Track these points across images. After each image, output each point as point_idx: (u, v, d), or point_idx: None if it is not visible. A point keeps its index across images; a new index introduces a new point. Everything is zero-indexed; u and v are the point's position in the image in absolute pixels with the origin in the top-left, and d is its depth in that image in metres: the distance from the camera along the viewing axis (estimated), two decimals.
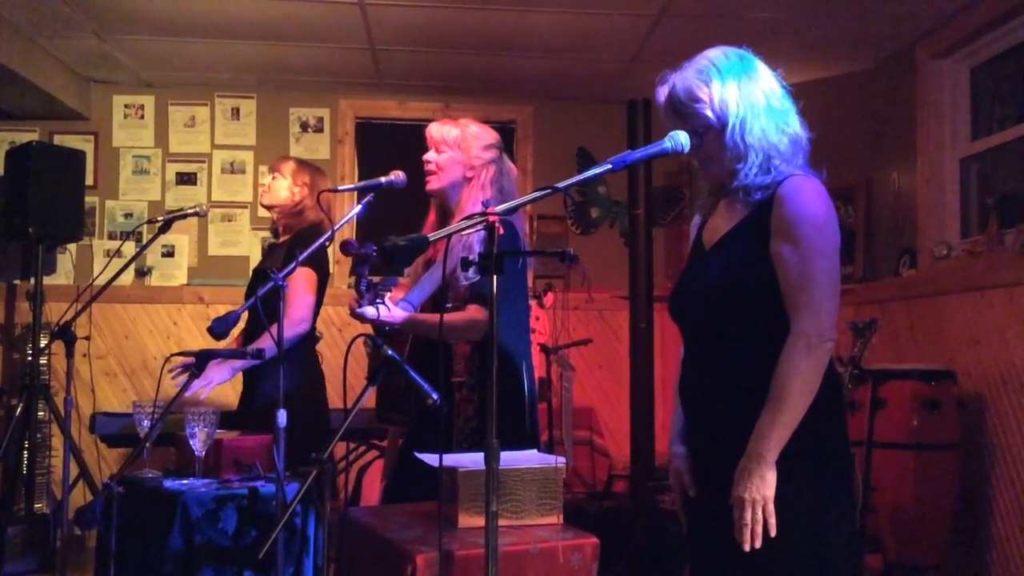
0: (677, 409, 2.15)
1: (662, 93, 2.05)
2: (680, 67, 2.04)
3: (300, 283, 3.47)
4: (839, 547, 1.92)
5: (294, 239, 3.66)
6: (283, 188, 3.70)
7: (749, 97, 1.97)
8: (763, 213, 1.96)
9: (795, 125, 2.02)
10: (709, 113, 1.97)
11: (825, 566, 1.90)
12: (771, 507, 1.85)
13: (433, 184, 2.96)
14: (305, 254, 2.77)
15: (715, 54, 2.02)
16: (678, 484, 2.14)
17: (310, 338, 3.59)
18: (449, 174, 2.94)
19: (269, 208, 3.79)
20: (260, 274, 3.79)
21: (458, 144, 2.93)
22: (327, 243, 2.85)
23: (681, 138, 1.99)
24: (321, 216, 3.72)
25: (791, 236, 1.91)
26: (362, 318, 2.64)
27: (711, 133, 1.99)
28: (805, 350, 1.86)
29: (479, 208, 2.59)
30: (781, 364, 1.87)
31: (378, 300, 2.60)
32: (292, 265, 2.85)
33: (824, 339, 1.88)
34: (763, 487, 1.84)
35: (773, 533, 1.85)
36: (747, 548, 1.85)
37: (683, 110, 2.00)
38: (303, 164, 3.79)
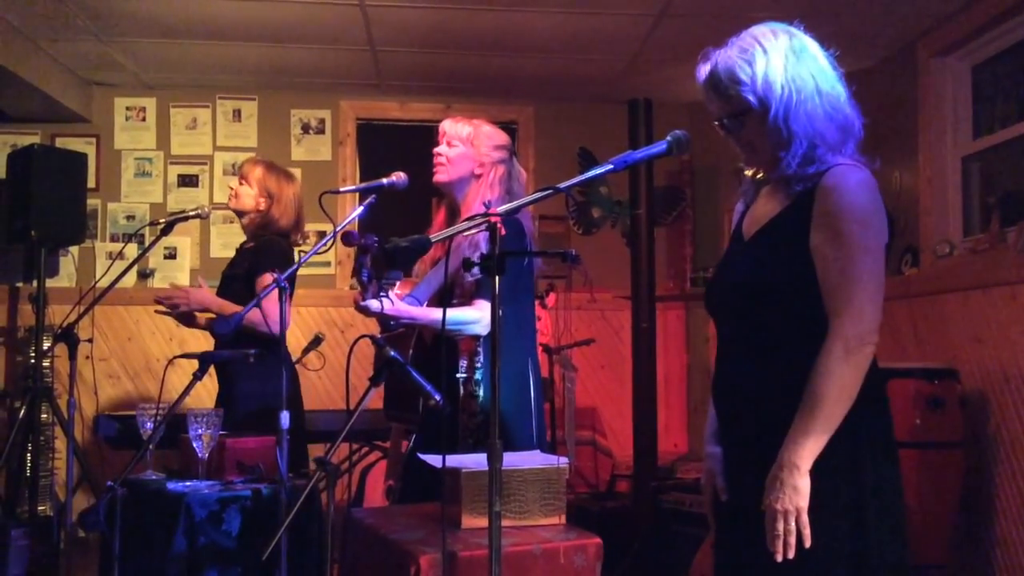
0: (712, 408, 2.05)
1: (703, 72, 1.92)
2: (726, 43, 1.91)
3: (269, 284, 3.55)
4: (878, 559, 1.81)
5: (258, 246, 3.68)
6: (249, 197, 3.74)
7: (796, 80, 1.84)
8: (805, 205, 1.84)
9: (846, 109, 1.88)
10: (751, 96, 1.84)
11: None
12: (804, 518, 1.75)
13: (441, 176, 2.97)
14: (309, 254, 2.78)
15: (761, 31, 1.90)
16: (709, 486, 2.06)
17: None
18: (458, 168, 2.95)
19: (237, 214, 3.81)
20: (227, 279, 3.82)
21: (470, 141, 2.95)
22: (329, 243, 2.85)
23: (682, 137, 1.95)
24: (288, 224, 3.74)
25: (833, 230, 1.79)
26: (366, 311, 2.64)
27: (752, 117, 1.86)
28: (843, 353, 1.76)
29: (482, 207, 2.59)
30: (816, 368, 1.76)
31: (382, 294, 2.60)
32: (295, 266, 2.86)
33: (864, 342, 1.77)
34: (796, 497, 1.75)
35: (807, 544, 1.76)
36: (779, 559, 1.77)
37: (723, 91, 1.88)
38: (271, 170, 3.79)
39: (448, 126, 2.99)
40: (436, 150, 2.99)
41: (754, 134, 1.89)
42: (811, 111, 1.84)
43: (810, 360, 1.78)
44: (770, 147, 1.88)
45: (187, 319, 3.82)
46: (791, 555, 1.76)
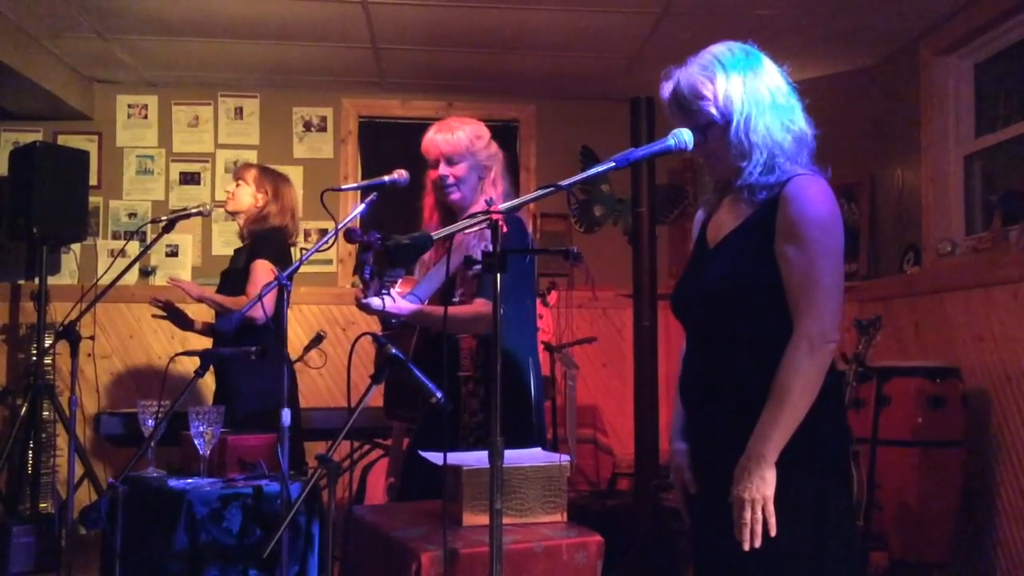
0: (678, 406, 2.15)
1: (666, 89, 2.03)
2: (685, 63, 2.02)
3: (263, 275, 3.63)
4: (839, 547, 1.92)
5: (254, 242, 3.73)
6: (247, 195, 3.80)
7: (754, 94, 1.95)
8: (768, 212, 1.95)
9: (800, 122, 2.00)
10: (713, 110, 1.96)
11: (825, 566, 1.90)
12: (771, 507, 1.85)
13: (455, 196, 2.92)
14: (310, 252, 2.77)
15: (720, 50, 2.00)
16: (679, 481, 2.14)
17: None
18: (469, 182, 2.93)
19: (234, 215, 3.88)
20: (226, 275, 3.86)
21: (469, 151, 2.91)
22: (331, 240, 2.85)
23: (684, 135, 1.97)
24: (284, 223, 3.80)
25: (796, 236, 1.90)
26: (368, 308, 2.64)
27: (715, 130, 1.97)
28: (807, 351, 1.86)
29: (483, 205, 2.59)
30: (783, 364, 1.87)
31: (384, 291, 2.59)
32: (296, 264, 2.86)
33: (827, 340, 1.88)
34: (763, 487, 1.84)
35: (773, 532, 1.85)
36: (747, 547, 1.85)
37: (687, 106, 1.99)
38: (266, 171, 3.89)
39: (442, 144, 2.91)
40: (440, 172, 2.91)
41: (717, 146, 2.00)
42: (770, 124, 1.96)
43: (775, 357, 1.88)
44: (732, 158, 1.99)
45: (182, 322, 3.85)
46: (758, 544, 1.85)
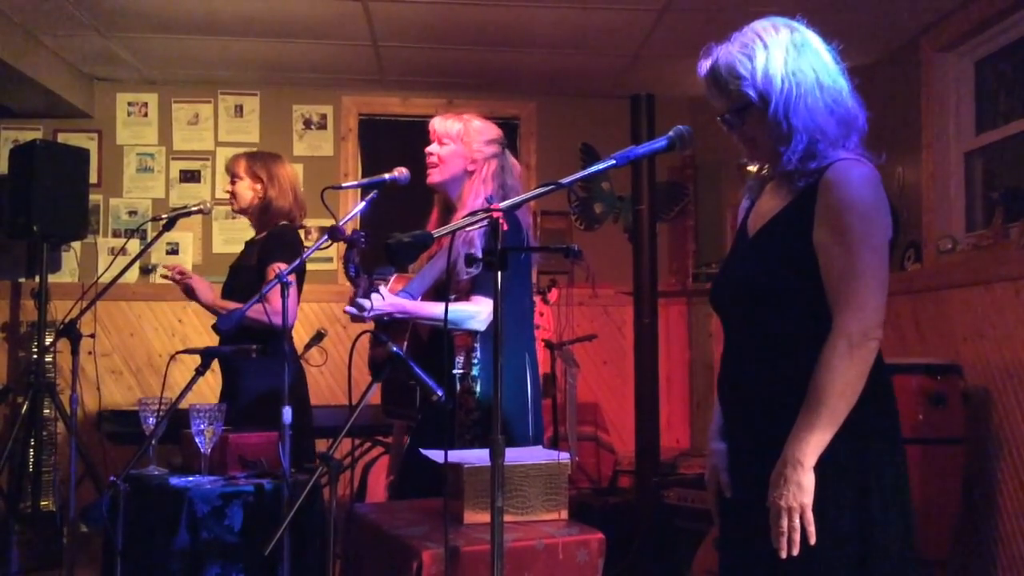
0: (717, 405, 2.05)
1: (704, 67, 1.92)
2: (728, 38, 1.91)
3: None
4: (887, 568, 1.80)
5: (269, 236, 3.65)
6: (246, 189, 3.71)
7: (796, 74, 1.84)
8: (807, 200, 1.83)
9: (847, 104, 1.87)
10: (751, 91, 1.85)
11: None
12: (809, 515, 1.75)
13: (434, 177, 2.95)
14: (310, 251, 2.78)
15: (762, 26, 1.90)
16: (714, 482, 2.05)
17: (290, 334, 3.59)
18: (450, 167, 2.93)
19: (241, 213, 3.78)
20: (235, 270, 3.79)
21: (460, 138, 2.92)
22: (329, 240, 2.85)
23: (685, 133, 1.93)
24: (289, 205, 3.69)
25: (836, 225, 1.79)
26: (359, 314, 2.61)
27: (753, 112, 1.87)
28: (846, 348, 1.75)
29: (481, 203, 2.59)
30: (820, 363, 1.76)
31: (372, 289, 2.58)
32: (296, 262, 2.86)
33: (868, 337, 1.76)
34: (800, 494, 1.74)
35: (812, 541, 1.75)
36: (784, 556, 1.76)
37: (724, 86, 1.88)
38: (254, 157, 3.76)
39: (438, 124, 2.96)
40: (428, 150, 2.96)
41: (755, 129, 1.89)
42: (811, 105, 1.84)
43: (815, 356, 1.78)
44: (771, 142, 1.88)
45: (190, 291, 3.78)
46: (795, 552, 1.76)
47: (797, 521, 1.75)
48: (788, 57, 1.85)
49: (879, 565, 1.80)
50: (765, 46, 1.86)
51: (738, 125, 1.91)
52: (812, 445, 1.75)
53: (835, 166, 1.82)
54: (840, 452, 1.78)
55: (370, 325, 2.71)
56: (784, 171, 1.88)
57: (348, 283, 2.60)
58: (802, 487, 1.74)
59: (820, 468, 1.76)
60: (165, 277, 3.74)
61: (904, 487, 1.88)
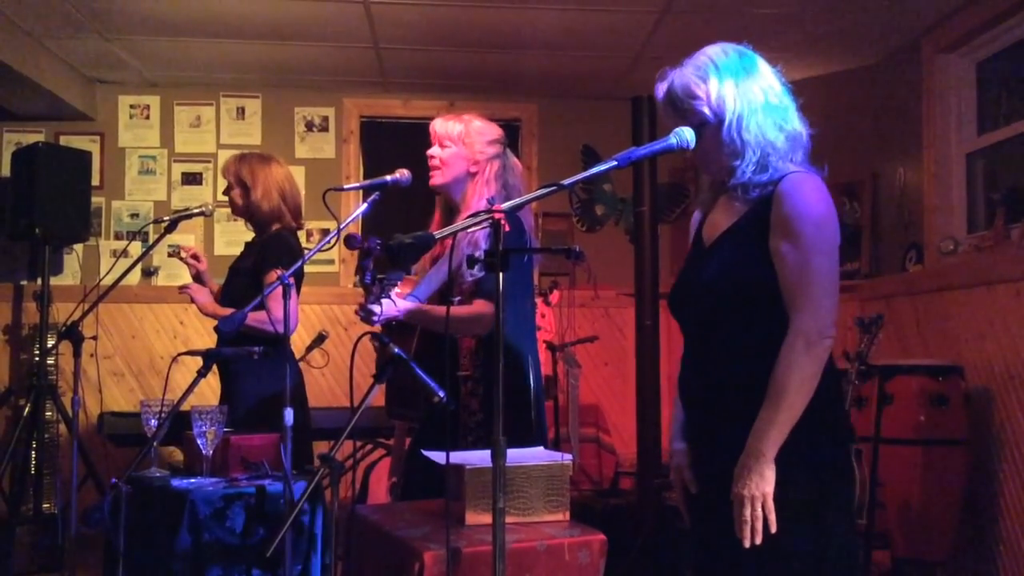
0: (677, 405, 2.16)
1: (661, 89, 2.05)
2: (680, 64, 2.04)
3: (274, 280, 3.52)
4: (839, 544, 1.93)
5: (264, 243, 3.62)
6: (237, 196, 3.63)
7: (747, 94, 1.97)
8: (762, 210, 1.96)
9: (794, 122, 2.02)
10: (706, 110, 1.98)
11: (825, 563, 1.91)
12: (771, 504, 1.86)
13: (437, 179, 2.95)
14: (311, 253, 2.78)
15: (714, 51, 2.02)
16: (679, 480, 2.15)
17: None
18: (452, 169, 2.93)
19: (239, 216, 3.75)
20: (234, 271, 3.76)
21: (461, 139, 2.92)
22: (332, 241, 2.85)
23: (686, 134, 1.98)
24: (274, 207, 3.60)
25: (790, 233, 1.91)
26: (369, 319, 2.62)
27: (708, 130, 1.99)
28: (804, 347, 1.87)
29: (484, 204, 2.59)
30: (780, 361, 1.88)
31: (384, 295, 2.59)
32: (298, 263, 2.87)
33: (823, 336, 1.89)
34: (762, 484, 1.85)
35: (773, 529, 1.86)
36: (747, 544, 1.86)
37: (681, 106, 2.01)
38: (241, 159, 3.67)
39: (439, 126, 2.96)
40: (429, 152, 2.96)
41: (710, 145, 2.01)
42: (762, 123, 1.98)
43: (772, 355, 1.89)
44: (725, 157, 2.01)
45: (200, 279, 3.76)
46: (759, 541, 1.86)
47: (760, 510, 1.86)
48: (739, 80, 1.99)
49: (836, 550, 1.92)
50: (717, 69, 1.99)
51: (695, 142, 2.02)
52: (773, 438, 1.87)
53: (788, 178, 1.95)
54: (797, 445, 1.89)
55: (377, 328, 2.72)
56: (738, 183, 2.00)
57: (352, 286, 2.60)
58: (764, 477, 1.86)
59: (779, 461, 1.87)
60: (178, 257, 3.69)
61: (850, 478, 2.06)
